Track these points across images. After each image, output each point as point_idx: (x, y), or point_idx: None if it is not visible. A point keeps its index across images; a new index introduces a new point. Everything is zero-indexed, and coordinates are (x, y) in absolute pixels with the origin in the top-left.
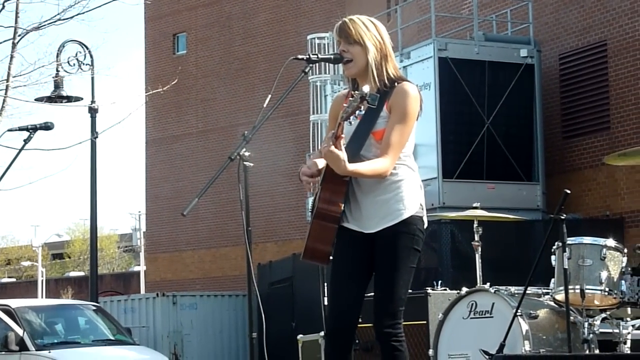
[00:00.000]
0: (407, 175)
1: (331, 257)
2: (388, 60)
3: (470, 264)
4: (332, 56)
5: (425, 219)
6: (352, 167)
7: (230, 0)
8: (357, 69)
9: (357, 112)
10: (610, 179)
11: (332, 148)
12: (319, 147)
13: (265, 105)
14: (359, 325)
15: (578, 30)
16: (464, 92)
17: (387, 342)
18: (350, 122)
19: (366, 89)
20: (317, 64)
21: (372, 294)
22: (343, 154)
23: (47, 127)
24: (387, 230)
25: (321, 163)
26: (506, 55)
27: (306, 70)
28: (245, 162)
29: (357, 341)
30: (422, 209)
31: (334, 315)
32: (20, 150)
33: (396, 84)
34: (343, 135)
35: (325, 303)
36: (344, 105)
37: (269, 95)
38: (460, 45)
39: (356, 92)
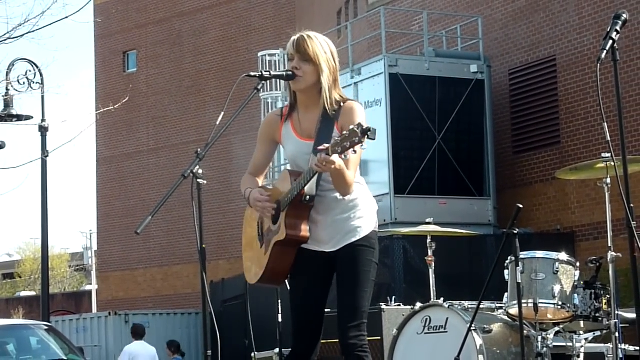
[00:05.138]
0: (361, 192)
1: (287, 279)
2: (337, 85)
3: (423, 280)
4: (284, 73)
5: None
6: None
7: (180, 18)
8: (305, 85)
9: (359, 146)
10: (561, 193)
11: (338, 161)
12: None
13: (218, 123)
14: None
15: (527, 45)
16: (415, 108)
17: (353, 353)
18: (346, 156)
19: (364, 123)
20: (268, 81)
21: (332, 309)
22: (341, 162)
23: None
24: (348, 247)
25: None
26: (456, 71)
27: (259, 88)
28: (199, 180)
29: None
30: (376, 224)
31: (298, 336)
32: None
33: (342, 104)
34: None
35: (280, 320)
36: (335, 137)
37: (222, 113)
38: (411, 61)
39: (352, 126)
